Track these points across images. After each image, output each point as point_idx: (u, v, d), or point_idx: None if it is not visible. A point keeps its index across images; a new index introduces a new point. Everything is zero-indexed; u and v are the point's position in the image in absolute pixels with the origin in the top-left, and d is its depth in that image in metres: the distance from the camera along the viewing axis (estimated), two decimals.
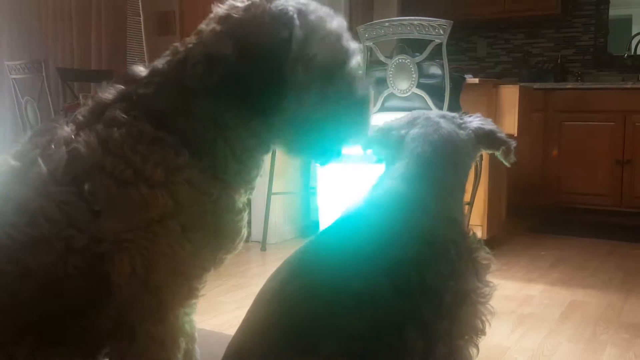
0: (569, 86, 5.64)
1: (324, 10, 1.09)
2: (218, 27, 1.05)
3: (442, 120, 1.11)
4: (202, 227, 1.04)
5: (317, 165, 1.14)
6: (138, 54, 6.56)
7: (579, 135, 5.46)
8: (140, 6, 5.84)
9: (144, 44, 6.24)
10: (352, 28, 4.71)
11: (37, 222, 0.97)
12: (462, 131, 1.10)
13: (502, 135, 1.12)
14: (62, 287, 0.98)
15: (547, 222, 5.24)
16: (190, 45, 1.07)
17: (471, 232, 1.04)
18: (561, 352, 2.46)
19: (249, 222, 4.40)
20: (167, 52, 1.11)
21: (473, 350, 1.01)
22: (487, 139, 1.08)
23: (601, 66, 6.15)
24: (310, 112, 1.06)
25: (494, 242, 4.24)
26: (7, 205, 0.98)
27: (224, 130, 1.05)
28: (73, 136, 1.02)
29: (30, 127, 4.74)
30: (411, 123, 1.12)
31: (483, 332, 1.02)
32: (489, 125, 1.11)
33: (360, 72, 1.11)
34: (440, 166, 1.06)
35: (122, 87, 1.07)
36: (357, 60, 1.10)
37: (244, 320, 0.99)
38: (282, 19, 1.03)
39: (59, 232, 0.97)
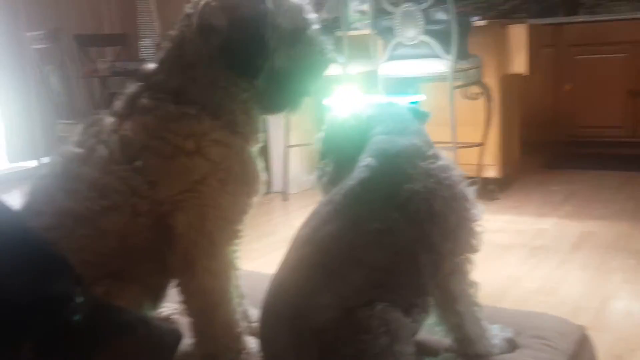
0: (579, 19, 5.64)
1: None
2: (212, 2, 1.25)
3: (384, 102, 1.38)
4: (235, 179, 1.27)
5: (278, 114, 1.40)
6: (147, 13, 6.65)
7: (591, 68, 5.48)
8: None
9: (153, 3, 6.34)
10: None
11: (108, 194, 1.19)
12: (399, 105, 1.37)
13: (421, 109, 1.39)
14: (134, 241, 1.22)
15: (560, 158, 5.32)
16: (184, 28, 1.28)
17: (454, 163, 1.25)
18: (571, 279, 2.63)
19: (269, 175, 4.57)
20: (166, 42, 1.33)
21: (469, 266, 1.20)
22: (414, 113, 1.35)
23: None
24: (279, 71, 1.28)
25: (507, 180, 4.38)
26: (81, 184, 1.20)
27: (225, 90, 1.27)
28: (118, 125, 1.25)
29: (55, 95, 4.89)
30: (366, 107, 1.33)
31: (477, 250, 1.22)
32: (410, 104, 1.41)
33: (319, 36, 1.33)
34: (412, 120, 1.29)
35: (141, 81, 1.30)
36: (315, 28, 1.32)
37: (283, 261, 1.20)
38: None
39: (125, 200, 1.20)
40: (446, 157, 1.25)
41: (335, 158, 1.32)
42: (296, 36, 1.29)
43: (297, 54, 1.30)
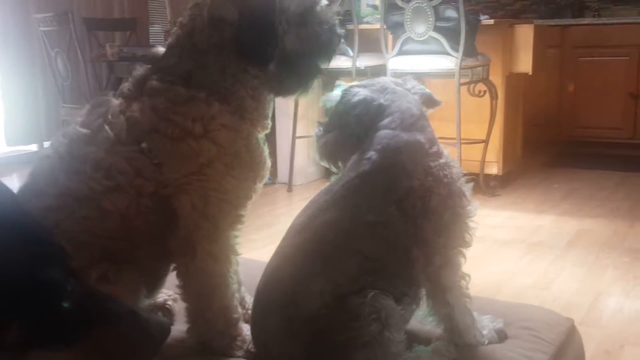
0: (585, 22, 5.67)
1: None
2: None
3: (399, 88, 1.36)
4: (240, 164, 1.29)
5: (292, 97, 1.40)
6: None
7: (594, 70, 5.53)
8: None
9: None
10: None
11: (112, 175, 1.21)
12: (412, 95, 1.35)
13: (436, 97, 1.40)
14: (136, 223, 1.23)
15: (561, 157, 5.37)
16: (193, 17, 1.30)
17: (454, 160, 1.27)
18: (564, 275, 2.68)
19: (275, 165, 4.61)
20: (175, 29, 1.35)
21: (461, 259, 1.24)
22: (428, 100, 1.36)
23: (618, 1, 6.15)
24: (290, 54, 1.29)
25: (509, 177, 4.41)
26: (84, 164, 1.21)
27: (235, 76, 1.29)
28: (125, 107, 1.26)
29: (61, 78, 4.91)
30: (380, 91, 1.32)
31: (469, 244, 1.26)
32: (426, 89, 1.40)
33: (328, 13, 1.34)
34: (421, 115, 1.30)
35: (150, 64, 1.32)
36: (321, 6, 1.33)
37: (279, 247, 1.23)
38: None
39: (130, 181, 1.21)
40: (447, 154, 1.27)
41: (339, 130, 1.33)
42: (305, 16, 1.30)
43: (307, 34, 1.30)
